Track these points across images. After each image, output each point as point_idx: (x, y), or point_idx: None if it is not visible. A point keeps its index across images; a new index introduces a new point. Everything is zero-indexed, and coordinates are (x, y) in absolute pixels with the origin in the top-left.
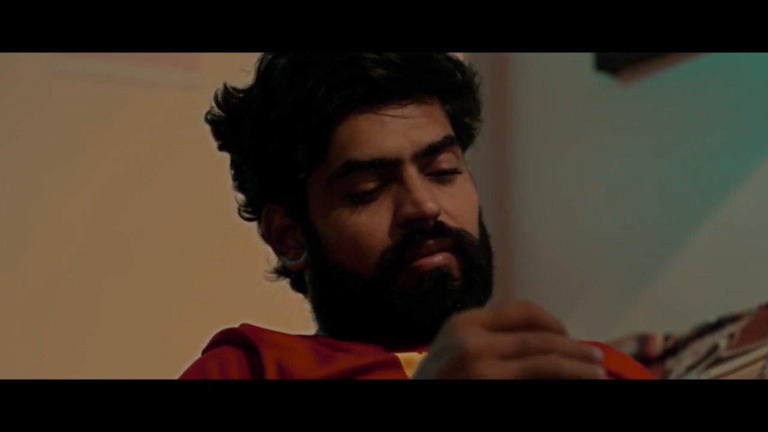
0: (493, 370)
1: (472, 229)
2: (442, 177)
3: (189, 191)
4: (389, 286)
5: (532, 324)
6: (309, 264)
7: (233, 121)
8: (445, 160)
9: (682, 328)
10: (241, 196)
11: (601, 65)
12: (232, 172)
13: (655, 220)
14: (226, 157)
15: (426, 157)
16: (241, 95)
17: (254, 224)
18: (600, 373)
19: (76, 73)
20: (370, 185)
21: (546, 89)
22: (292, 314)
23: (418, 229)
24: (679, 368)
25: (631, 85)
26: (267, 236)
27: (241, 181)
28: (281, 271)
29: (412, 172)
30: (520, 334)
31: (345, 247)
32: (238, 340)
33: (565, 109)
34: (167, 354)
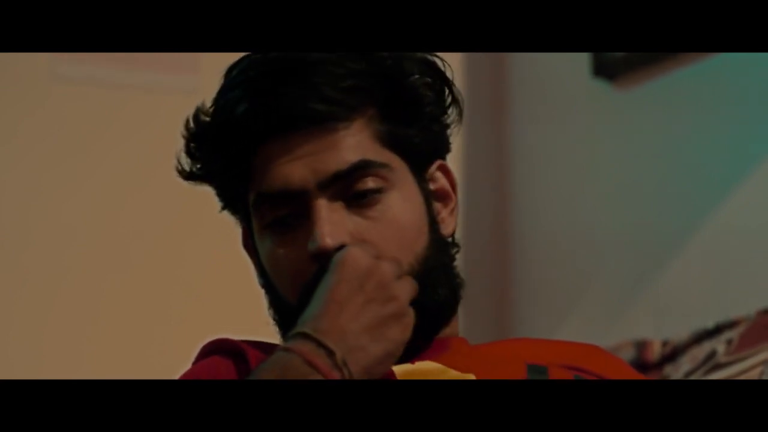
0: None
1: (401, 253)
2: (361, 200)
3: (188, 195)
4: None
5: None
6: (264, 287)
7: (193, 140)
8: (363, 183)
9: (680, 333)
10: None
11: (599, 70)
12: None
13: (653, 224)
14: None
15: (335, 184)
16: (201, 115)
17: None
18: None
19: (76, 78)
20: (283, 216)
21: (544, 94)
22: None
23: (324, 266)
24: (677, 374)
25: (629, 90)
26: (247, 251)
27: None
28: None
29: (318, 203)
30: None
31: (274, 278)
32: (228, 350)
33: (563, 114)
34: (167, 354)
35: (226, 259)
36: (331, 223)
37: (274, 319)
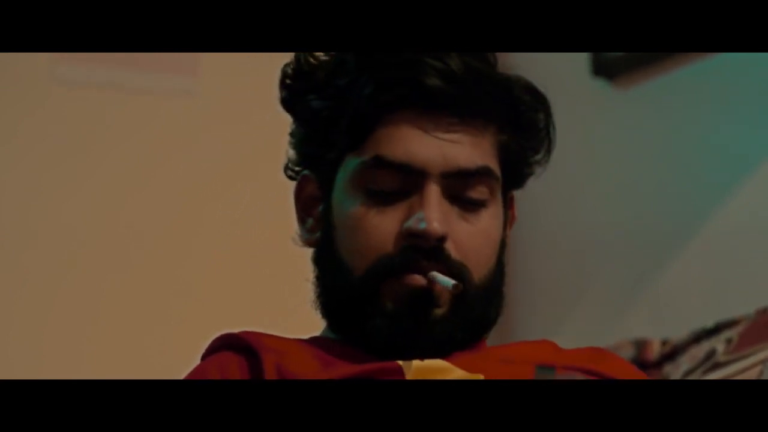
0: None
1: (478, 265)
2: (467, 206)
3: (187, 196)
4: (371, 292)
5: None
6: (320, 243)
7: (301, 78)
8: (475, 191)
9: (679, 333)
10: (291, 153)
11: (598, 70)
12: (291, 127)
13: (653, 223)
14: (225, 162)
15: (454, 179)
16: (318, 59)
17: (252, 226)
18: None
19: (76, 79)
20: (393, 187)
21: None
22: (291, 315)
23: (417, 246)
24: (676, 373)
25: (629, 90)
26: (297, 200)
27: (294, 138)
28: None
29: (433, 188)
30: None
31: (348, 239)
32: (237, 345)
33: (562, 114)
34: (167, 354)
35: (225, 261)
36: (441, 212)
37: (320, 280)
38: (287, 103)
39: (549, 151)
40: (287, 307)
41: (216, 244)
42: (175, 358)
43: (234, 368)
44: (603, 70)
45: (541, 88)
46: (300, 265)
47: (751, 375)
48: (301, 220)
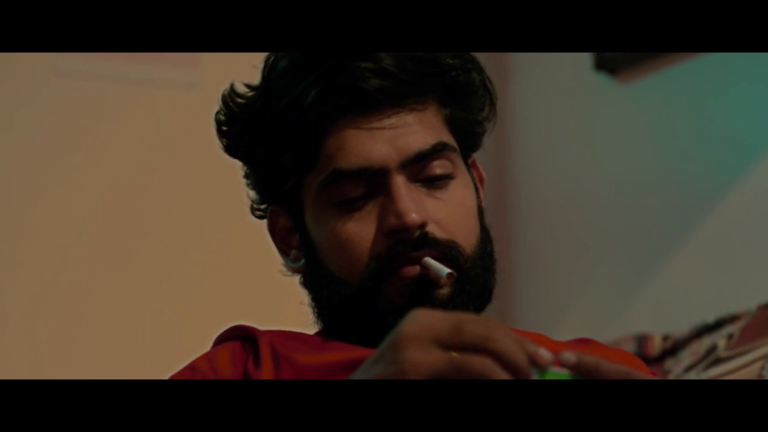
0: (422, 354)
1: (465, 237)
2: (434, 183)
3: (188, 189)
4: (373, 294)
5: (488, 341)
6: (306, 267)
7: (235, 121)
8: (437, 167)
9: (680, 328)
10: (252, 194)
11: (601, 65)
12: (244, 170)
13: (654, 218)
14: (226, 157)
15: (414, 164)
16: (244, 96)
17: (252, 223)
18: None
19: (77, 72)
20: (358, 194)
21: (545, 89)
22: (291, 313)
23: (402, 240)
24: (677, 368)
25: (631, 84)
26: (272, 236)
27: (249, 180)
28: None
29: (398, 181)
30: (459, 321)
31: (334, 254)
32: (243, 336)
33: (564, 109)
34: (167, 353)
35: (226, 254)
36: (413, 200)
37: (317, 301)
38: (231, 150)
39: (493, 105)
40: (286, 305)
41: (217, 237)
42: (174, 358)
43: (240, 357)
44: (605, 65)
45: (545, 83)
46: None
47: (753, 370)
48: (284, 253)
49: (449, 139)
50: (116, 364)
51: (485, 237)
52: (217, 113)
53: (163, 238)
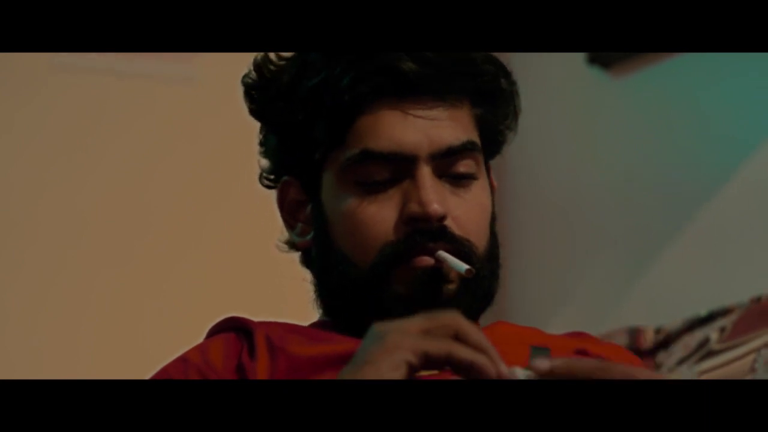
0: (399, 337)
1: (479, 238)
2: (458, 181)
3: (186, 183)
4: (382, 280)
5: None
6: (314, 243)
7: (266, 87)
8: (463, 165)
9: (673, 321)
10: (264, 162)
11: (594, 59)
12: (260, 137)
13: (648, 212)
14: (224, 151)
15: (443, 158)
16: (278, 64)
17: (252, 218)
18: (503, 372)
19: (74, 66)
20: (382, 177)
21: (539, 83)
22: (291, 313)
23: (420, 230)
24: (669, 361)
25: (624, 78)
26: (280, 207)
27: (266, 147)
28: (292, 244)
29: (425, 171)
30: (430, 322)
31: (348, 234)
32: (237, 327)
33: (558, 103)
34: (167, 353)
35: (225, 249)
36: (436, 192)
37: (321, 280)
38: (257, 114)
39: (516, 116)
40: (286, 303)
41: (216, 232)
42: (174, 355)
43: (234, 349)
44: (599, 59)
45: (538, 77)
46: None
47: (745, 363)
48: (290, 225)
49: (477, 140)
50: (116, 364)
51: (494, 242)
52: (245, 76)
53: (162, 234)
